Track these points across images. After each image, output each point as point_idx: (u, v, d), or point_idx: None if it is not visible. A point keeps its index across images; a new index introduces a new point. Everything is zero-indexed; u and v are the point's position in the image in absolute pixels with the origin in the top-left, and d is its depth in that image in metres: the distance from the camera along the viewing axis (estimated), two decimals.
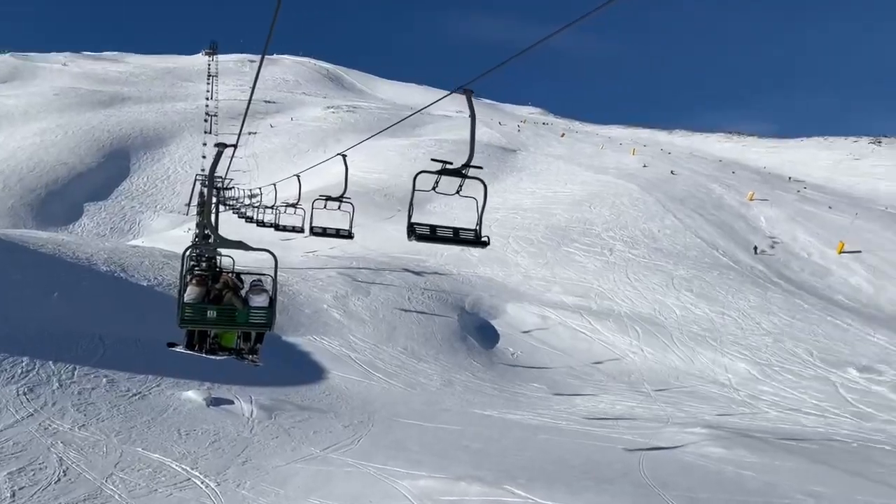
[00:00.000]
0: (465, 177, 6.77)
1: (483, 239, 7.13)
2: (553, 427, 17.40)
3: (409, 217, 7.16)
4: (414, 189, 6.94)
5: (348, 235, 14.48)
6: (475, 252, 39.48)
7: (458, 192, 6.91)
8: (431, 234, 7.02)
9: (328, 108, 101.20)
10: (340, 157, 12.38)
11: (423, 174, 6.84)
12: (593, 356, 28.03)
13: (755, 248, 44.77)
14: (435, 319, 28.56)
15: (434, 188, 6.80)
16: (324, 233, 14.57)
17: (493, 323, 30.46)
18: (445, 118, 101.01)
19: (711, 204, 54.99)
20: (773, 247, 46.68)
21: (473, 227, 7.15)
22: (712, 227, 48.92)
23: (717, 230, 48.51)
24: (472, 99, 6.28)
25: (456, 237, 7.11)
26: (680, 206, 52.38)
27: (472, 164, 6.63)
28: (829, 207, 57.12)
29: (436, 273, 35.55)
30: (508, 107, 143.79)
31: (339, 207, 13.06)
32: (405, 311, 28.78)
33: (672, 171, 63.38)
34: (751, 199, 57.26)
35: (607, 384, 25.07)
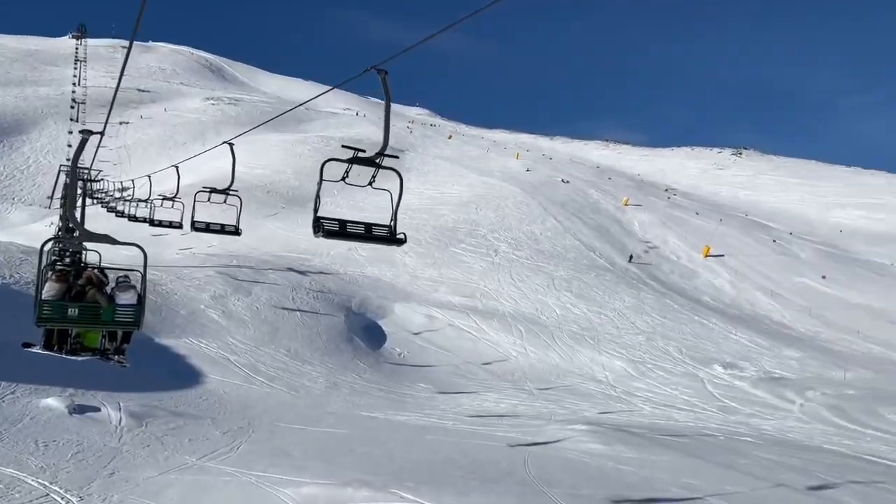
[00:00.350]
0: (378, 166, 6.12)
1: (399, 236, 6.39)
2: (440, 427, 17.34)
3: (316, 210, 6.21)
4: (321, 179, 6.17)
5: (235, 231, 13.33)
6: (363, 251, 39.02)
7: (370, 184, 6.20)
8: (341, 231, 6.25)
9: (208, 99, 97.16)
10: (221, 149, 11.62)
11: (331, 163, 6.26)
12: (479, 355, 28.32)
13: (630, 256, 46.46)
14: (320, 320, 27.91)
15: (344, 178, 6.12)
16: (207, 228, 13.29)
17: (381, 323, 30.17)
18: (332, 115, 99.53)
19: (589, 208, 57.23)
20: (647, 252, 49.13)
21: (387, 223, 6.45)
22: (590, 231, 50.88)
23: (594, 233, 50.50)
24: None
25: (368, 234, 6.37)
26: (561, 210, 54.13)
27: (386, 152, 6.01)
28: (697, 214, 60.92)
29: (321, 273, 34.80)
30: (397, 107, 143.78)
31: (224, 201, 12.21)
32: (289, 311, 27.94)
33: (565, 180, 65.27)
34: (625, 205, 60.10)
35: (492, 383, 25.38)
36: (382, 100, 6.04)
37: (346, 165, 6.09)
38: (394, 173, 6.29)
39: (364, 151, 6.05)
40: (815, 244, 57.68)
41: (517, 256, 42.22)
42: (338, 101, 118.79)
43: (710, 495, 12.00)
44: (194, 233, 13.57)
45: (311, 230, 6.35)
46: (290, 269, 33.93)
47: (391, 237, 6.44)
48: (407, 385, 23.98)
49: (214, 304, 26.58)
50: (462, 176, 63.06)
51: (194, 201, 12.80)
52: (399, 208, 6.34)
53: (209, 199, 12.26)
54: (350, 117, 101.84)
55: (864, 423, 21.01)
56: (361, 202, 44.73)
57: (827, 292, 45.07)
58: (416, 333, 29.68)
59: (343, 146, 6.58)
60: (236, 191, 12.10)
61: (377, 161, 6.08)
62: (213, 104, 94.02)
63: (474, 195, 55.24)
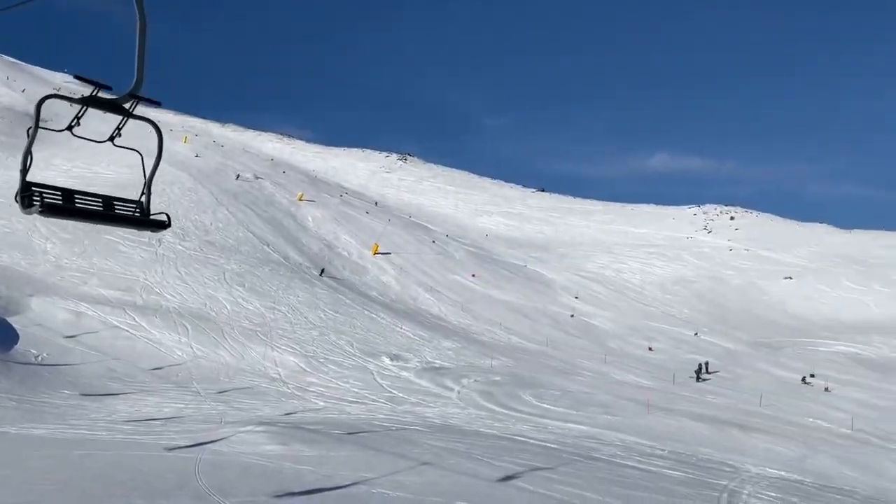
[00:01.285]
0: (129, 114, 4.15)
1: (157, 217, 4.41)
2: (91, 439, 15.07)
3: (24, 173, 3.98)
4: (36, 126, 3.99)
5: None
6: None
7: (112, 140, 4.23)
8: (66, 206, 4.03)
9: None
10: None
11: (51, 101, 4.12)
12: (137, 355, 25.62)
13: (322, 270, 44.75)
14: None
15: (71, 128, 4.18)
16: None
17: (12, 320, 25.53)
18: None
19: (264, 200, 56.04)
20: (323, 248, 49.62)
21: (137, 198, 4.37)
22: (264, 223, 49.80)
23: (268, 226, 49.53)
24: None
25: (109, 212, 4.25)
26: (233, 200, 52.04)
27: (140, 94, 4.16)
28: (367, 213, 63.49)
29: None
30: (39, 70, 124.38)
31: None
32: None
33: (256, 176, 62.32)
34: (300, 200, 60.14)
35: (153, 385, 23.09)
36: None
37: (76, 109, 4.01)
38: (150, 126, 4.42)
39: (109, 88, 4.04)
40: (467, 246, 64.19)
41: (184, 247, 39.36)
42: None
43: (387, 487, 12.20)
44: None
45: None
46: None
47: (144, 217, 4.35)
48: (46, 392, 20.57)
49: None
50: (121, 155, 56.77)
51: None
52: (154, 177, 4.35)
53: None
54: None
55: (510, 407, 23.68)
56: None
57: (476, 289, 50.36)
58: (64, 335, 25.73)
59: (77, 77, 4.15)
60: None
61: (127, 106, 4.17)
62: None
63: (135, 178, 50.08)
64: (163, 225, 4.43)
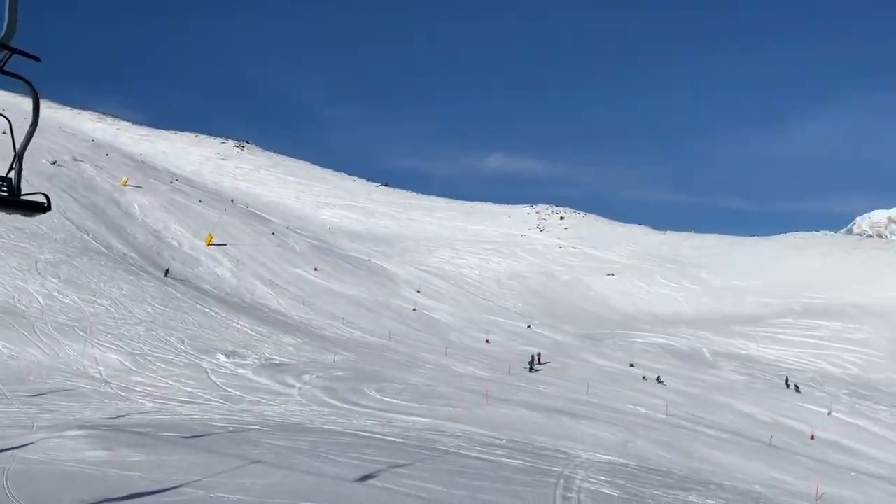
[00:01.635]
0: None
1: (33, 198, 3.46)
2: None
3: None
4: None
5: None
6: None
7: None
8: None
9: None
10: None
11: None
12: None
13: (166, 271, 41.56)
14: None
15: None
16: None
17: None
18: None
19: (83, 185, 51.58)
20: (160, 252, 46.37)
21: (4, 174, 3.42)
22: (83, 210, 45.87)
23: (88, 213, 45.67)
24: None
25: None
26: (46, 184, 47.35)
27: (14, 46, 3.24)
28: (200, 201, 60.27)
29: None
30: None
31: None
32: None
33: (74, 158, 56.56)
34: (125, 185, 55.93)
35: None
36: None
37: None
38: (24, 86, 3.48)
39: None
40: (308, 238, 62.92)
41: None
42: None
43: (226, 490, 11.59)
44: None
45: None
46: None
47: (15, 198, 3.39)
48: None
49: None
50: None
51: None
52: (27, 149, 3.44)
53: None
54: None
55: (353, 402, 23.43)
56: None
57: (317, 282, 49.48)
58: None
59: None
60: None
61: None
62: None
63: None
64: (41, 207, 3.55)
